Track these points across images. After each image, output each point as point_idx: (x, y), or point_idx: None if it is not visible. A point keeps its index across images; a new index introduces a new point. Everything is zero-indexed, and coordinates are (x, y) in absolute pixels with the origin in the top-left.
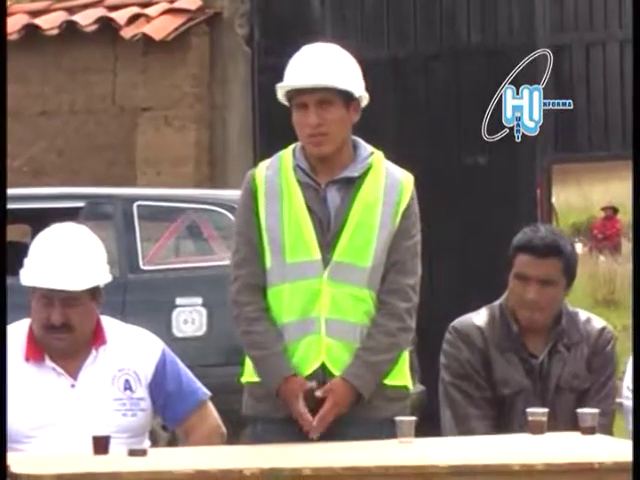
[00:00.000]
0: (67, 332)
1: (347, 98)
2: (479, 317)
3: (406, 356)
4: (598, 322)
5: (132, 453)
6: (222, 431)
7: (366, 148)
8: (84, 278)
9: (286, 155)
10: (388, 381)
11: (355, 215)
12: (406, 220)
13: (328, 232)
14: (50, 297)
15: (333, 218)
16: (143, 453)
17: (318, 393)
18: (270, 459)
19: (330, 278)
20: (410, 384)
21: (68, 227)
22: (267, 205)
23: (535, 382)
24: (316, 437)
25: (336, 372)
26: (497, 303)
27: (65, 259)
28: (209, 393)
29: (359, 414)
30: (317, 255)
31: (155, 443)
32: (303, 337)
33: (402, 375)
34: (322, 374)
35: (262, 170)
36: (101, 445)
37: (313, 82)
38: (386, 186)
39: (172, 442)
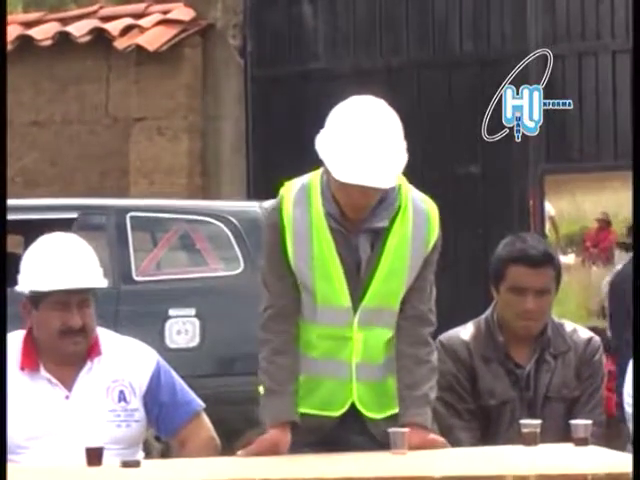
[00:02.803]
0: (84, 335)
1: None
2: (465, 331)
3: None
4: (585, 332)
5: (125, 464)
6: (216, 442)
7: (394, 187)
8: (96, 276)
9: (314, 193)
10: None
11: (386, 261)
12: (433, 254)
13: (358, 279)
14: (66, 301)
15: (364, 265)
16: (136, 464)
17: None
18: (262, 470)
19: (360, 324)
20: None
21: (61, 235)
22: (296, 248)
23: (522, 392)
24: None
25: (365, 412)
26: (483, 316)
27: (73, 261)
28: (203, 404)
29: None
30: (347, 302)
31: (148, 454)
32: (331, 378)
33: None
34: (352, 414)
35: (289, 206)
36: (94, 456)
37: (375, 184)
38: (414, 226)
39: (165, 453)
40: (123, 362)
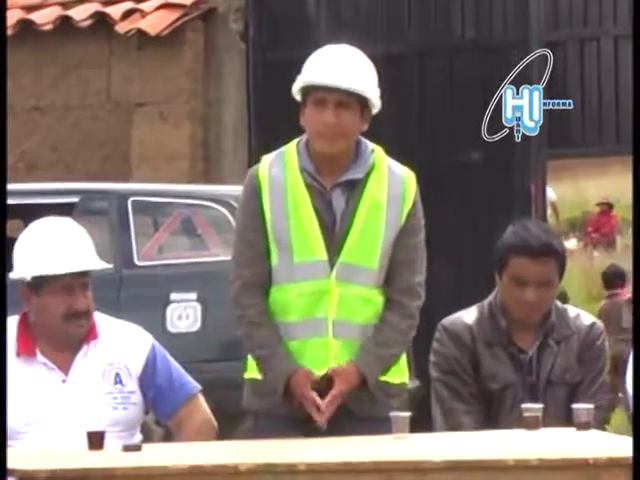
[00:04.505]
0: (87, 318)
1: (363, 105)
2: (468, 315)
3: (404, 353)
4: (587, 318)
5: (126, 448)
6: (213, 424)
7: (367, 145)
8: (95, 258)
9: (290, 153)
10: (390, 378)
11: (361, 216)
12: (412, 218)
13: (334, 234)
14: (71, 285)
15: (339, 220)
16: (137, 448)
17: (324, 372)
18: (265, 454)
19: (338, 279)
20: (407, 380)
21: (55, 219)
22: (272, 205)
23: (524, 377)
24: (324, 424)
25: None
26: (486, 301)
27: (73, 244)
28: (199, 386)
29: (361, 411)
30: (323, 255)
31: (149, 439)
32: (310, 337)
33: (401, 372)
34: (329, 384)
35: (265, 168)
36: (96, 440)
37: (342, 84)
38: (389, 185)
39: (167, 438)
40: (119, 345)
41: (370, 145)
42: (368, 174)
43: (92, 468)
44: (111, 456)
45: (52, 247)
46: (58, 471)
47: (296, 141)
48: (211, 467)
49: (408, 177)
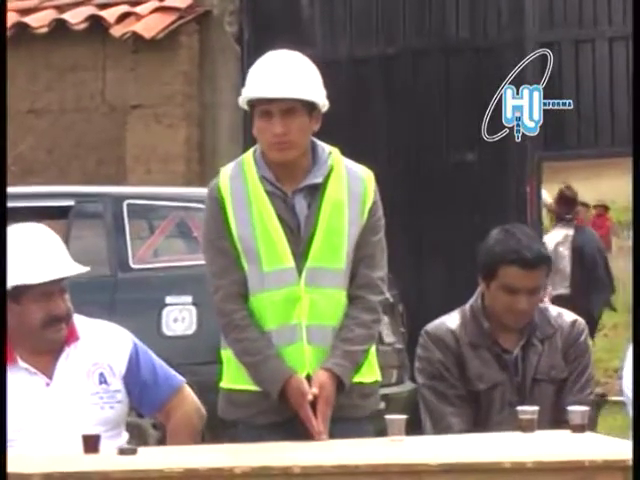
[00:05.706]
0: (66, 322)
1: (310, 107)
2: (451, 319)
3: (374, 350)
4: (569, 316)
5: (122, 452)
6: (201, 412)
7: (324, 149)
8: (73, 262)
9: (248, 163)
10: (363, 379)
11: (324, 220)
12: (373, 216)
13: (299, 240)
14: (50, 291)
15: (303, 225)
16: (133, 452)
17: (311, 395)
18: (260, 457)
19: (307, 284)
20: (379, 377)
21: (27, 225)
22: (237, 215)
23: (510, 376)
24: (326, 439)
25: None
26: (467, 305)
27: (49, 250)
28: (183, 379)
29: (339, 414)
30: (290, 263)
31: (145, 442)
32: (286, 345)
33: (373, 370)
34: (307, 384)
35: (226, 180)
36: (91, 444)
37: (281, 94)
38: (349, 185)
39: (162, 441)
40: (100, 345)
41: (327, 148)
42: (327, 177)
43: (88, 471)
44: (107, 459)
45: (30, 255)
46: (52, 474)
47: (253, 150)
48: (206, 470)
49: (367, 176)
